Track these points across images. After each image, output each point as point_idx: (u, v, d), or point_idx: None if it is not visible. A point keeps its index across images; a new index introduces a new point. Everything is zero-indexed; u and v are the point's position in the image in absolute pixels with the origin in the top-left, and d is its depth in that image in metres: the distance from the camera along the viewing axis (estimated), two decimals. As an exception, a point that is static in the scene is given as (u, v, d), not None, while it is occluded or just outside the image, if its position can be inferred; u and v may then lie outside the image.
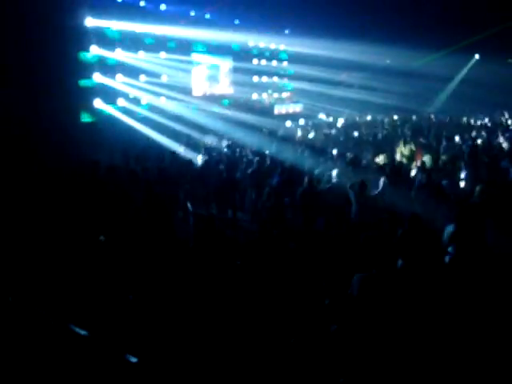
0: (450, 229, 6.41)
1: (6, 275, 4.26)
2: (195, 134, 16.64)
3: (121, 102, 16.94)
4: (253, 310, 2.98)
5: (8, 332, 3.08)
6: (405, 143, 14.30)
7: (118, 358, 2.74)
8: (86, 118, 14.97)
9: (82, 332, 3.02)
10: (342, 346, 4.27)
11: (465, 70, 28.92)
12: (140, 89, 17.57)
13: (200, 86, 21.46)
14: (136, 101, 17.58)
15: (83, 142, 11.73)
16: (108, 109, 16.05)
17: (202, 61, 21.25)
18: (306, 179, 9.36)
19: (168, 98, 18.55)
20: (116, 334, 3.35)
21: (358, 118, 25.40)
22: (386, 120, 24.36)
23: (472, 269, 5.81)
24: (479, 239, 6.26)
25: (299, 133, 19.19)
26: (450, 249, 6.32)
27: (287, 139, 15.82)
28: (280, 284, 4.51)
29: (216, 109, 20.04)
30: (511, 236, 6.10)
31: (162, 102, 18.29)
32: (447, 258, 6.31)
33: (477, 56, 28.29)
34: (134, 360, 2.82)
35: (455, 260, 6.20)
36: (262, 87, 24.93)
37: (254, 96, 24.45)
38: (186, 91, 19.88)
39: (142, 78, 17.85)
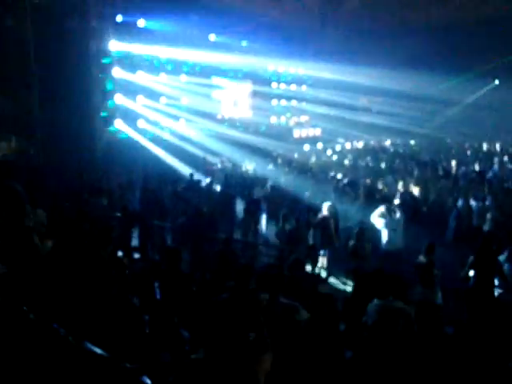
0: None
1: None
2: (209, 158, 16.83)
3: (141, 123, 17.23)
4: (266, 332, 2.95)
5: (27, 348, 3.11)
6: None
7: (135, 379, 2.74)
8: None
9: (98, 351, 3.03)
10: (357, 374, 4.21)
11: (476, 95, 28.74)
12: (159, 111, 17.87)
13: (225, 109, 21.78)
14: (154, 123, 17.86)
15: (104, 160, 11.93)
16: (127, 130, 16.30)
17: (222, 84, 21.55)
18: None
19: (187, 121, 18.82)
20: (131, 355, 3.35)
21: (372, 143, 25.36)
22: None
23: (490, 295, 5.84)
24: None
25: (313, 158, 19.20)
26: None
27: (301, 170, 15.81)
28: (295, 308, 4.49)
29: (233, 133, 20.16)
30: None
31: (180, 126, 18.57)
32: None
33: (497, 81, 28.12)
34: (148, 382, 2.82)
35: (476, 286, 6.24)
36: (280, 111, 25.14)
37: (273, 119, 24.64)
38: (206, 114, 20.08)
39: (163, 100, 18.16)
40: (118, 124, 15.98)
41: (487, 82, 27.77)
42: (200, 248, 9.01)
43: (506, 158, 18.28)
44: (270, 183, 12.96)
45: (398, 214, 8.75)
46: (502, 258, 6.80)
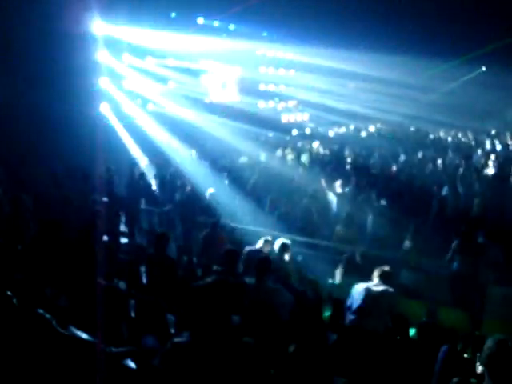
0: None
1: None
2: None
3: (126, 107, 16.98)
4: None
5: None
6: None
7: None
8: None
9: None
10: (341, 357, 4.26)
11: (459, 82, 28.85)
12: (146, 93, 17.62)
13: (213, 93, 21.56)
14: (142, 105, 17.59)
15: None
16: (111, 114, 15.99)
17: (211, 68, 21.32)
18: None
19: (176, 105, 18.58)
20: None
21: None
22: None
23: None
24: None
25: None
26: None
27: None
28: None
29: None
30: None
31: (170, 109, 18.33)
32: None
33: (484, 68, 28.21)
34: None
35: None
36: (268, 96, 25.00)
37: (261, 104, 24.51)
38: (194, 99, 19.75)
39: (149, 83, 17.91)
40: (103, 108, 15.74)
41: (474, 69, 27.87)
42: (189, 233, 9.01)
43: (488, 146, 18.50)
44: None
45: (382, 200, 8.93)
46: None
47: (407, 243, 7.17)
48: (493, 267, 6.59)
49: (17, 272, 4.73)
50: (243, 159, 14.73)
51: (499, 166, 13.49)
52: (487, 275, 6.45)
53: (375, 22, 19.78)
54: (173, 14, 18.09)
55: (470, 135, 22.86)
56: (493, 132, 23.68)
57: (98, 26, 14.82)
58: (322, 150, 17.44)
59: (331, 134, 24.13)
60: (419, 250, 7.08)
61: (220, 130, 17.15)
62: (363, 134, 24.14)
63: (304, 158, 15.15)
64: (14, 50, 11.29)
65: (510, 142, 19.90)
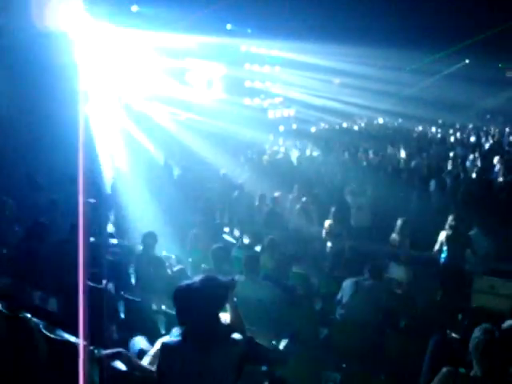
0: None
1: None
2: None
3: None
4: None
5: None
6: None
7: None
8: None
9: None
10: (331, 350, 4.27)
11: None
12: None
13: (197, 91, 21.43)
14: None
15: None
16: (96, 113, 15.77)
17: (195, 66, 21.22)
18: None
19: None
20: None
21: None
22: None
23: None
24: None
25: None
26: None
27: None
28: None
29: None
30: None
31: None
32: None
33: (467, 61, 28.40)
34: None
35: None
36: (254, 92, 25.01)
37: (247, 101, 24.49)
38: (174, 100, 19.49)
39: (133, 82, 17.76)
40: (89, 107, 15.56)
41: (457, 61, 28.06)
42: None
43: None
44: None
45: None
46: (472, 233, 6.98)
47: (394, 236, 7.19)
48: (482, 258, 6.67)
49: (2, 276, 4.67)
50: None
51: (484, 157, 13.64)
52: (475, 266, 6.51)
53: (359, 17, 19.79)
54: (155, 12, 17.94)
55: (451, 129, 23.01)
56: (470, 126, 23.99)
57: (81, 24, 14.61)
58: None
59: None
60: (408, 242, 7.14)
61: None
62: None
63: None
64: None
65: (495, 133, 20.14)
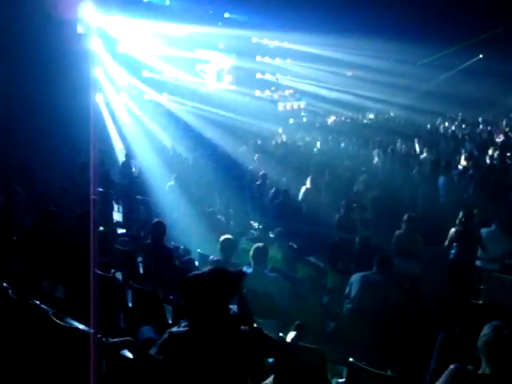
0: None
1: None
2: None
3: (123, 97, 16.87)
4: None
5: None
6: None
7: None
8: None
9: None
10: (339, 344, 4.26)
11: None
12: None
13: (208, 82, 21.43)
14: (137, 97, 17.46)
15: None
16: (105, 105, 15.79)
17: (206, 57, 21.17)
18: None
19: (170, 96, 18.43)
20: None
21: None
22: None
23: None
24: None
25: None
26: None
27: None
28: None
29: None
30: None
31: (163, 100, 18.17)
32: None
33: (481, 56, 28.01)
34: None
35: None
36: (265, 84, 24.91)
37: (257, 93, 24.40)
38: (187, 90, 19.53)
39: (145, 73, 17.79)
40: (99, 99, 15.61)
41: (471, 56, 27.71)
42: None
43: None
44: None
45: None
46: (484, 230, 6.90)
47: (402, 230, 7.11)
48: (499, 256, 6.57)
49: (12, 263, 4.70)
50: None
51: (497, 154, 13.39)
52: (490, 263, 6.44)
53: (371, 10, 19.61)
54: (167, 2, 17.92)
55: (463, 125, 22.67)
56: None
57: (91, 15, 14.62)
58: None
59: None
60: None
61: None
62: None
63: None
64: (8, 41, 11.13)
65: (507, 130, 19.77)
